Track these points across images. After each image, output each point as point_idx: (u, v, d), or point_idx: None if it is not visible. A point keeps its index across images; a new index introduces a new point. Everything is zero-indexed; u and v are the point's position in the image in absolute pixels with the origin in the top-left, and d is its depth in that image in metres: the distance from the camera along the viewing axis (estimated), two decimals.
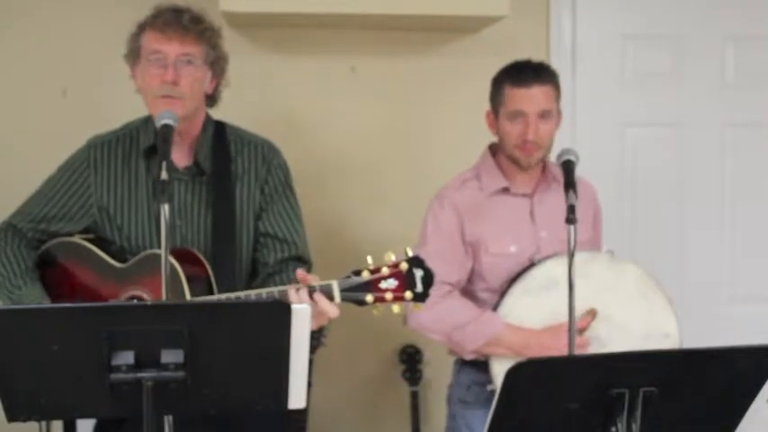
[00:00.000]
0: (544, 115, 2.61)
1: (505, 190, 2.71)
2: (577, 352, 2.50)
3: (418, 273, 2.10)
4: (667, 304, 2.64)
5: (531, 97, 2.59)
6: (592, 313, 2.59)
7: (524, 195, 2.72)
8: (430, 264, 2.61)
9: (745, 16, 3.73)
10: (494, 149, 2.78)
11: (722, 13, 3.71)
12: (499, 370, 2.53)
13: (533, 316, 2.57)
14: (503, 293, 2.64)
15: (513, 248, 2.66)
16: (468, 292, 2.72)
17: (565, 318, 2.43)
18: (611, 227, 3.34)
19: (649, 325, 2.61)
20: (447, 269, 2.61)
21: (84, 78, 3.40)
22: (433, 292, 2.54)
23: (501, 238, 2.67)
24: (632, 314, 2.61)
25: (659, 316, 2.63)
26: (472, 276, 2.71)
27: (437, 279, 2.56)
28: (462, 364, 2.76)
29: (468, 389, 2.73)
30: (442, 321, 2.63)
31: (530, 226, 2.70)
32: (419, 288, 2.10)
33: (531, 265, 2.63)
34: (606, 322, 2.60)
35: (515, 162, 2.67)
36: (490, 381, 2.61)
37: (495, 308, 2.64)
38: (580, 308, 2.56)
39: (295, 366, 1.81)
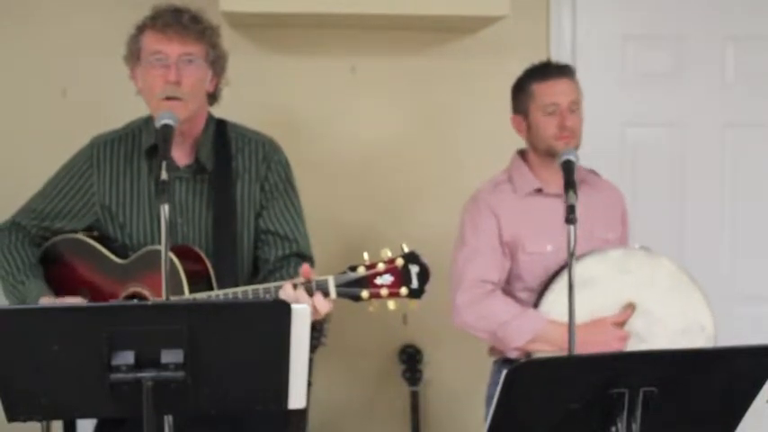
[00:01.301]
0: (573, 106, 2.69)
1: (538, 191, 2.76)
2: (617, 346, 2.56)
3: (414, 269, 2.11)
4: (702, 297, 2.67)
5: (560, 89, 2.69)
6: (630, 307, 2.60)
7: (557, 195, 2.74)
8: (471, 263, 2.67)
9: (745, 16, 3.73)
10: (523, 154, 2.83)
11: (722, 13, 3.71)
12: None
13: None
14: (542, 292, 2.67)
15: (549, 247, 2.70)
16: (506, 293, 2.75)
17: (605, 314, 2.55)
18: None
19: (687, 319, 2.64)
20: (488, 268, 2.68)
21: (84, 78, 3.40)
22: (476, 291, 2.65)
23: (537, 238, 2.71)
24: (670, 308, 2.64)
25: (695, 309, 2.66)
26: (510, 277, 2.75)
27: (479, 278, 2.65)
28: (502, 363, 2.78)
29: None
30: (486, 319, 2.67)
31: (564, 225, 2.71)
32: (415, 284, 2.10)
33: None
34: (645, 317, 2.62)
35: (553, 155, 2.68)
36: None
37: (535, 305, 2.67)
38: (619, 302, 2.61)
39: (295, 366, 1.81)
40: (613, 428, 1.85)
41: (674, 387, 1.86)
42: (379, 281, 2.10)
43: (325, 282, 2.12)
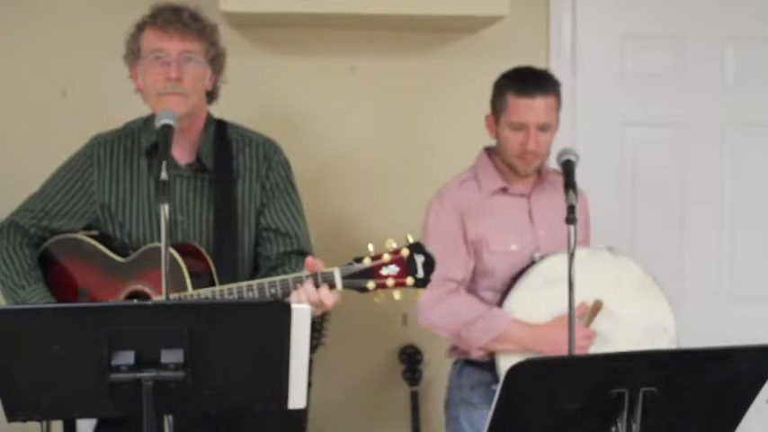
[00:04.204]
0: (544, 127, 2.63)
1: (504, 190, 2.75)
2: (582, 344, 2.55)
3: (419, 259, 2.12)
4: (664, 299, 2.68)
5: (533, 109, 2.62)
6: (597, 305, 2.60)
7: (522, 195, 2.75)
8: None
9: (745, 16, 3.72)
10: (489, 151, 2.81)
11: (722, 13, 3.71)
12: (506, 366, 2.55)
13: (537, 312, 2.59)
14: (506, 291, 2.66)
15: (514, 247, 2.69)
16: (471, 291, 2.74)
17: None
18: (611, 226, 3.34)
19: (650, 319, 2.65)
20: (452, 267, 2.65)
21: (84, 78, 3.40)
22: (440, 290, 2.61)
23: (502, 237, 2.70)
24: (634, 309, 2.64)
25: (658, 310, 2.66)
26: (474, 275, 2.73)
27: (443, 277, 2.61)
28: (463, 365, 2.77)
29: (473, 389, 2.73)
30: (450, 318, 2.66)
31: (529, 225, 2.73)
32: (420, 274, 2.12)
33: (533, 262, 2.65)
34: (609, 317, 2.62)
35: (513, 170, 2.72)
36: (495, 380, 2.61)
37: (499, 304, 2.66)
38: (585, 302, 2.60)
39: (295, 366, 1.81)
40: (613, 428, 1.85)
41: (674, 387, 1.86)
42: (384, 271, 2.11)
43: (332, 274, 2.13)
